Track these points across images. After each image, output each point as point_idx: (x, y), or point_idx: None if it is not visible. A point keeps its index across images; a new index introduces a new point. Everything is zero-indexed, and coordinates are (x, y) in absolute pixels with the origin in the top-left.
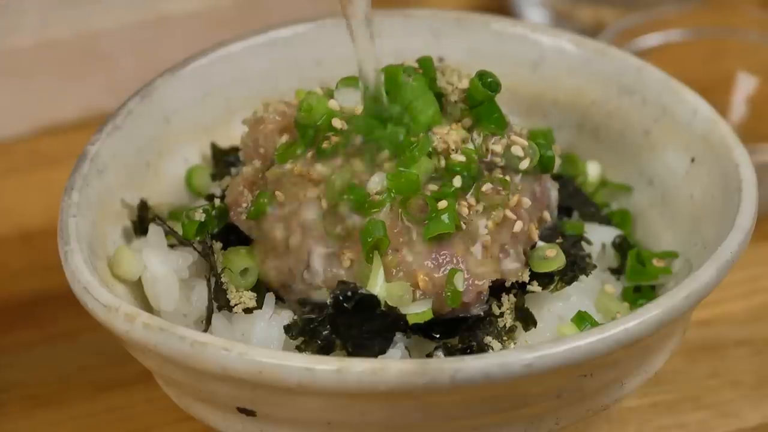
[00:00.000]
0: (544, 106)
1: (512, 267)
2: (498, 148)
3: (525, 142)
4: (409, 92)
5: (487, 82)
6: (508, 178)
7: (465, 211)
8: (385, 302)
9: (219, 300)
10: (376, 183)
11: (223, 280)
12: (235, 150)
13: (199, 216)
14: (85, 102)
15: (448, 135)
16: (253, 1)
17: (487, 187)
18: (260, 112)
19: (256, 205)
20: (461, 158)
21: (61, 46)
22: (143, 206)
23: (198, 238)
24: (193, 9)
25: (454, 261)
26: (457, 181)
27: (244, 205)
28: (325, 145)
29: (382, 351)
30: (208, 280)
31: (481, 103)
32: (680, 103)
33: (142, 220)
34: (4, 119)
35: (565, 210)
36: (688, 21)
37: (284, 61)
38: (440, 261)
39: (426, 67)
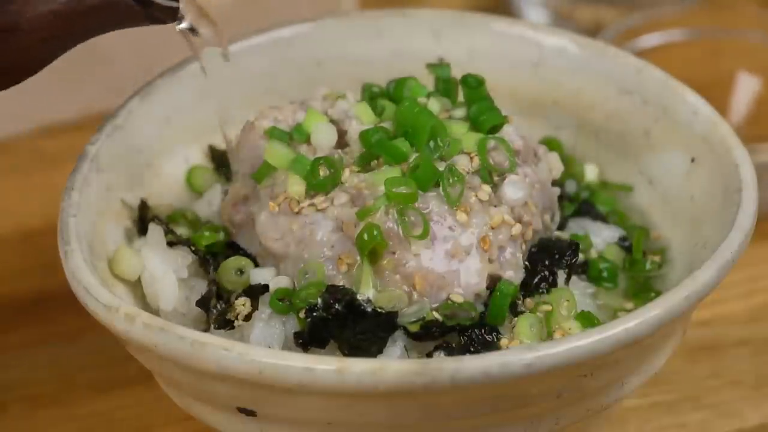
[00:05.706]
0: (544, 106)
1: (511, 269)
2: (497, 153)
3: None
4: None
5: (471, 83)
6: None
7: (463, 216)
8: (377, 302)
9: (218, 322)
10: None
11: (221, 292)
12: None
13: (220, 236)
14: (85, 102)
15: (467, 139)
16: (252, 1)
17: (484, 191)
18: (253, 119)
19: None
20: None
21: None
22: (143, 206)
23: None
24: None
25: (452, 263)
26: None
27: (240, 223)
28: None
29: (379, 351)
30: (210, 280)
31: (476, 102)
32: (680, 103)
33: (142, 220)
34: (4, 119)
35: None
36: (688, 21)
37: (284, 61)
38: (437, 263)
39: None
